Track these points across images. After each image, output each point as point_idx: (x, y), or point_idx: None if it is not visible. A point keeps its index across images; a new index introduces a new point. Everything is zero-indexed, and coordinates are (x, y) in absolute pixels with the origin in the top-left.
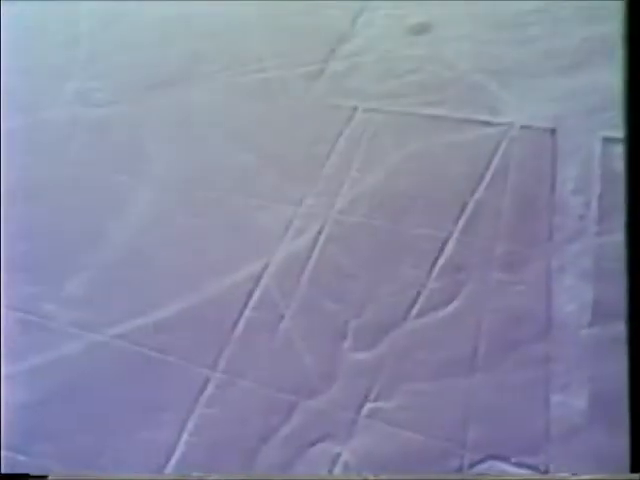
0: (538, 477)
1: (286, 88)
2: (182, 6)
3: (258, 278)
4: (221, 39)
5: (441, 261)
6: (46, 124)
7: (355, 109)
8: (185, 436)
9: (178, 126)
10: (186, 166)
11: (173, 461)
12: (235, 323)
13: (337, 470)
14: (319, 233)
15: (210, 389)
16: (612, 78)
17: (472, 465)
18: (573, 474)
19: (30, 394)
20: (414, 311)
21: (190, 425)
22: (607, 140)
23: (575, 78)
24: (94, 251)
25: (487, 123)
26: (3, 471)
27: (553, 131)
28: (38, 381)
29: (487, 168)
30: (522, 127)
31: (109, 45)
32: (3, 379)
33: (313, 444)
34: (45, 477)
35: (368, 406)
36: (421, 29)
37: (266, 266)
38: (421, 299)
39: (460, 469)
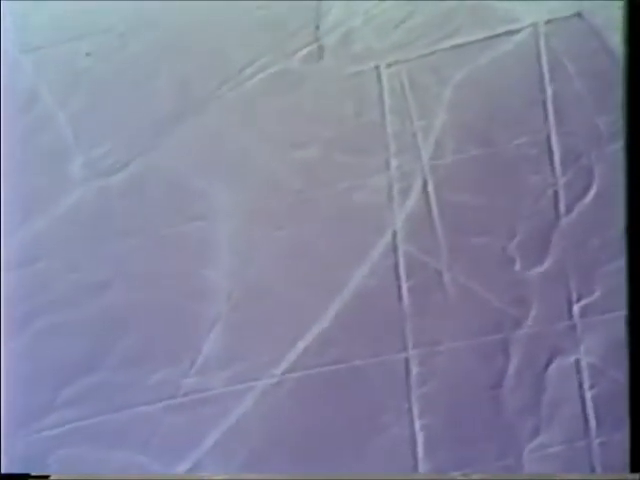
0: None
1: (298, 76)
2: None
3: (395, 249)
4: (200, 56)
5: (556, 157)
6: (74, 210)
7: (377, 67)
8: (418, 423)
9: (212, 156)
10: (252, 185)
11: (420, 453)
12: (399, 300)
13: (586, 375)
14: (425, 184)
15: (415, 369)
16: None
17: None
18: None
19: (228, 467)
20: (561, 209)
21: (416, 411)
22: None
23: None
24: (210, 305)
25: (513, 32)
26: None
27: (579, 14)
28: (232, 452)
29: (540, 66)
30: (547, 22)
31: (85, 104)
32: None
33: (547, 364)
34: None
35: (576, 307)
36: None
37: (394, 235)
38: (561, 196)
39: None
